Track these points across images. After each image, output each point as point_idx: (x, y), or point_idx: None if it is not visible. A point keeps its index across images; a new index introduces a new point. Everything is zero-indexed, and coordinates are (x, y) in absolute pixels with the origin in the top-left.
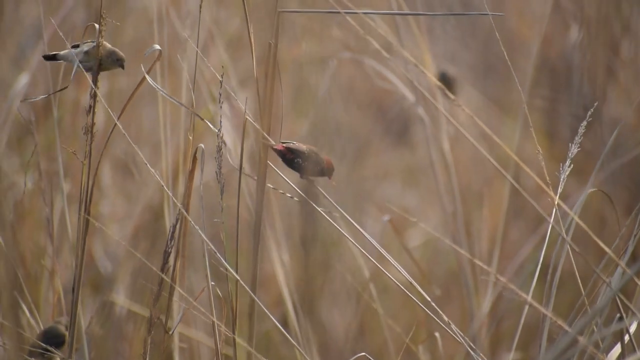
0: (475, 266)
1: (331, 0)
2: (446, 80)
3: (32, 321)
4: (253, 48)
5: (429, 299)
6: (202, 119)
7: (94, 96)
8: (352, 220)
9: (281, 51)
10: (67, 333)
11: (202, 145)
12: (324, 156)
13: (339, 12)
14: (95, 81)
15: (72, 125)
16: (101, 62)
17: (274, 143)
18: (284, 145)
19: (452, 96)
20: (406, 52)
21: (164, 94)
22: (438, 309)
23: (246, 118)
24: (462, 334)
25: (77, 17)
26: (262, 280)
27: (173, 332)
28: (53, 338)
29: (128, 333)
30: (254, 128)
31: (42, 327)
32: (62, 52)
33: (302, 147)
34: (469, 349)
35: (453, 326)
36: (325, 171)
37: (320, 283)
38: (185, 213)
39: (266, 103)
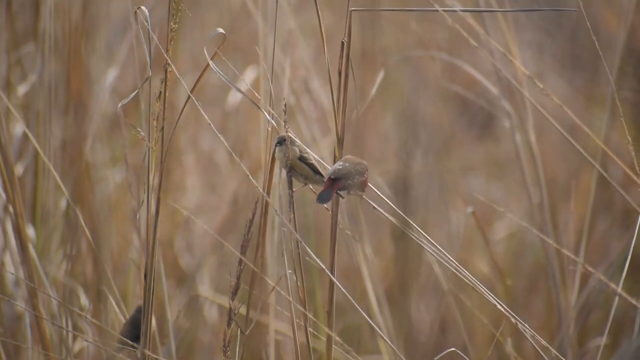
0: (562, 258)
1: None
2: None
3: (119, 314)
4: (325, 47)
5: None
6: (261, 109)
7: (164, 81)
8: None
9: (366, 43)
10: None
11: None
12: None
13: (417, 10)
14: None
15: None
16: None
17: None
18: (331, 180)
19: (540, 85)
20: (493, 41)
21: (230, 85)
22: (509, 310)
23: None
24: (534, 333)
25: (163, 11)
26: (349, 273)
27: (253, 324)
28: (139, 327)
29: (214, 326)
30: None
31: (120, 320)
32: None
33: (347, 166)
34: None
35: (526, 326)
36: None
37: (409, 276)
38: (268, 199)
39: (340, 100)
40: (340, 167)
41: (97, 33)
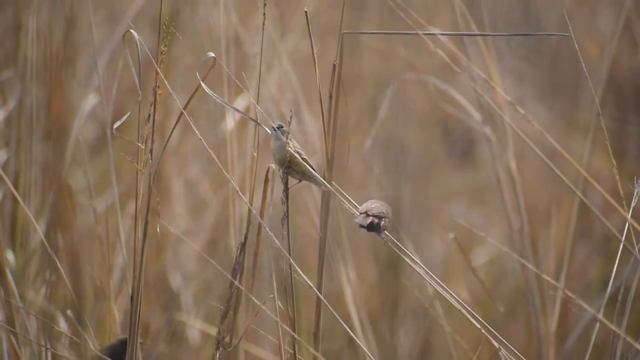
0: (542, 284)
1: (403, 16)
2: None
3: (89, 341)
4: (317, 70)
5: (489, 319)
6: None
7: (154, 104)
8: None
9: (347, 70)
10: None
11: (273, 165)
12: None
13: (405, 34)
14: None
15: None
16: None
17: (356, 213)
18: (369, 215)
19: (522, 111)
20: (475, 67)
21: (223, 103)
22: (493, 332)
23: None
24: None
25: (145, 38)
26: (330, 298)
27: (235, 347)
28: (112, 356)
29: (194, 350)
30: (320, 145)
31: (96, 347)
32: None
33: (380, 207)
34: None
35: (503, 351)
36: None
37: (393, 300)
38: (261, 221)
39: (331, 123)
40: (374, 206)
41: (78, 59)
